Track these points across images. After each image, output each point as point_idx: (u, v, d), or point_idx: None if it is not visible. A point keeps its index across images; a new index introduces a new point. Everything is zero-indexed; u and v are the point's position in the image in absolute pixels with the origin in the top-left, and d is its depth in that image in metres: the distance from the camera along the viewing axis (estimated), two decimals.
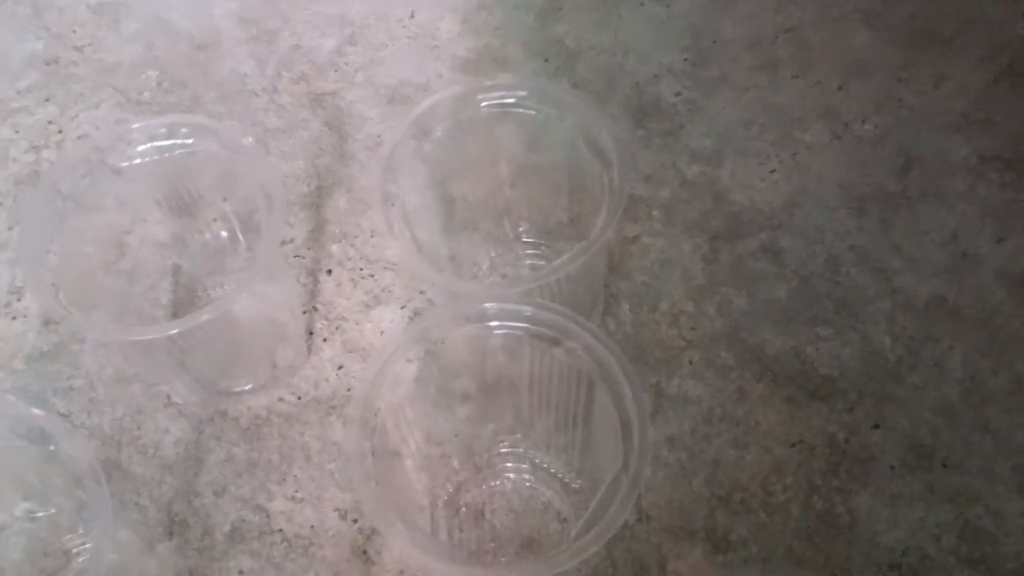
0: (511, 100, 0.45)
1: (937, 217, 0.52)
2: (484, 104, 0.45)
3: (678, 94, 0.57)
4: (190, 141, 0.45)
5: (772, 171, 0.54)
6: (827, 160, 0.54)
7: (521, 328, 0.38)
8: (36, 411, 0.38)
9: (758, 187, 0.53)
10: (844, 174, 0.53)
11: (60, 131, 0.57)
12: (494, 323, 0.39)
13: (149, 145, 0.44)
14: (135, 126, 0.44)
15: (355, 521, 0.44)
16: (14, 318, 0.50)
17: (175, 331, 0.38)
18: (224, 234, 0.49)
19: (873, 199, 0.52)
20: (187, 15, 0.62)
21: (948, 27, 0.58)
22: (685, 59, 0.58)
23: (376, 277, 0.51)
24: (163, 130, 0.44)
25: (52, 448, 0.37)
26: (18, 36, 0.61)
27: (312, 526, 0.44)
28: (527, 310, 0.38)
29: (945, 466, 0.44)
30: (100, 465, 0.37)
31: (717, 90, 0.57)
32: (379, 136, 0.56)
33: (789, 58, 0.58)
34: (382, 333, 0.49)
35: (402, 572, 0.42)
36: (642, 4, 0.61)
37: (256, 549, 0.43)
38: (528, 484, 0.45)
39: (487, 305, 0.38)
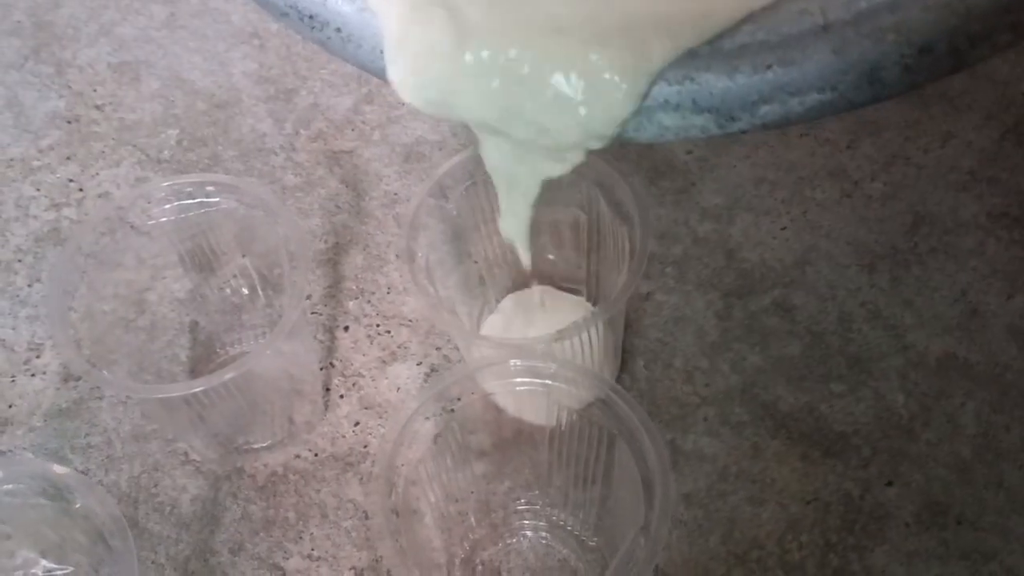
0: None
1: (947, 274, 0.52)
2: None
3: (689, 152, 0.58)
4: (215, 199, 0.45)
5: (783, 228, 0.54)
6: (837, 217, 0.55)
7: (543, 385, 0.39)
8: (57, 467, 0.38)
9: (769, 244, 0.54)
10: (854, 231, 0.54)
11: (81, 189, 0.58)
12: (517, 380, 0.39)
13: (174, 204, 0.45)
14: (164, 184, 0.45)
15: None
16: (33, 375, 0.51)
17: (199, 388, 0.39)
18: (244, 291, 0.50)
19: (883, 256, 0.53)
20: (206, 73, 0.63)
21: (954, 85, 0.59)
22: None
23: (392, 333, 0.51)
24: (189, 188, 0.45)
25: (77, 505, 0.38)
26: (41, 94, 0.62)
27: None
28: (551, 367, 0.38)
29: (960, 523, 0.45)
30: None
31: (728, 148, 0.58)
32: (396, 194, 0.57)
33: None
34: (398, 389, 0.49)
35: None
36: None
37: None
38: (545, 542, 0.45)
39: (511, 362, 0.39)
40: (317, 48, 0.32)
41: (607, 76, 0.27)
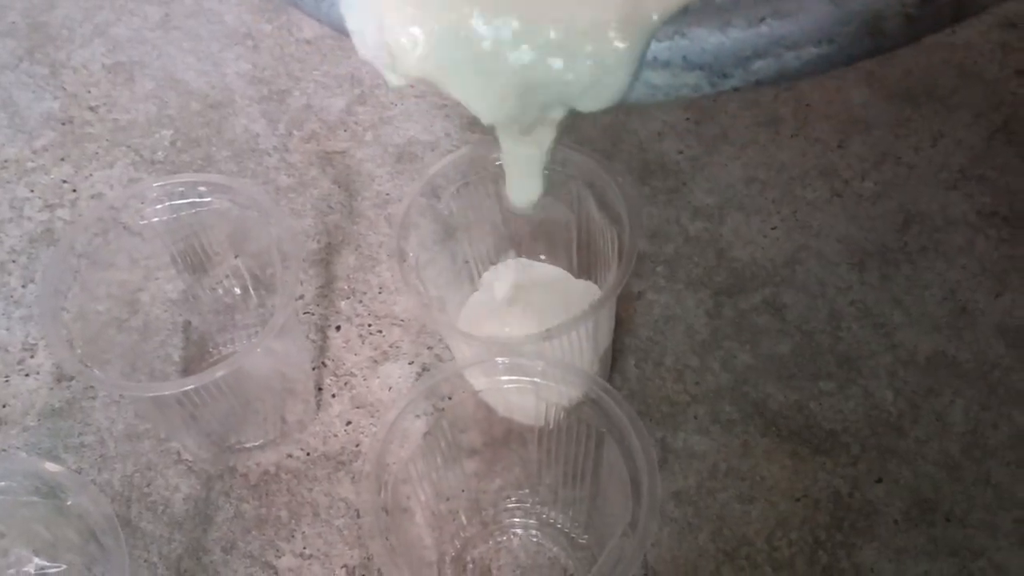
0: None
1: (936, 272, 0.52)
2: (497, 163, 0.46)
3: (681, 152, 0.58)
4: (207, 199, 0.45)
5: (773, 228, 0.55)
6: (827, 216, 0.55)
7: (532, 383, 0.39)
8: (50, 465, 0.39)
9: (760, 243, 0.54)
10: (844, 230, 0.54)
11: (74, 190, 0.58)
12: (505, 378, 0.39)
13: (166, 204, 0.45)
14: (156, 184, 0.45)
15: None
16: (27, 375, 0.51)
17: (191, 387, 0.39)
18: (237, 291, 0.50)
19: (873, 255, 0.53)
20: (200, 74, 0.64)
21: (944, 85, 0.60)
22: (687, 118, 0.60)
23: (384, 333, 0.52)
24: (181, 188, 0.45)
25: (69, 503, 0.38)
26: (36, 95, 0.63)
27: None
28: (539, 365, 0.39)
29: (948, 520, 0.45)
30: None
31: (718, 148, 0.58)
32: (388, 194, 0.57)
33: (789, 116, 0.60)
34: (390, 389, 0.50)
35: None
36: None
37: None
38: (535, 540, 0.45)
39: (499, 360, 0.39)
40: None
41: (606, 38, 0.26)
